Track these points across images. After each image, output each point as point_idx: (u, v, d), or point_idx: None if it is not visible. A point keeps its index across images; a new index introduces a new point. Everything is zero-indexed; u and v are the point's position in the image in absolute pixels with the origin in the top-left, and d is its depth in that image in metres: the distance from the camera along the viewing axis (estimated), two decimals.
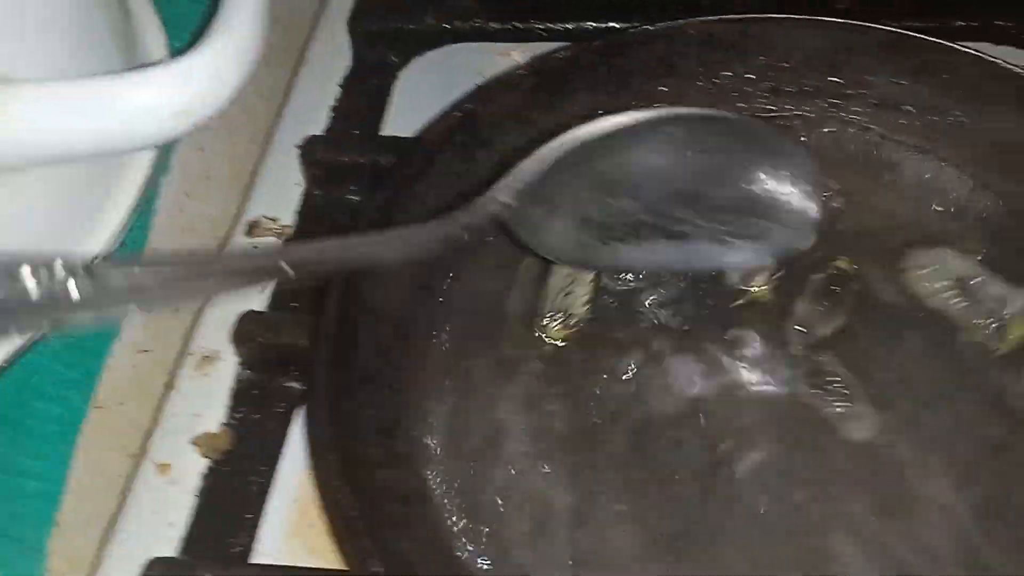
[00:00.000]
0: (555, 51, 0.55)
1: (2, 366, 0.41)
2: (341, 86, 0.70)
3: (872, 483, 0.46)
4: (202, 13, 0.53)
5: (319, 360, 0.43)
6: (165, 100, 0.42)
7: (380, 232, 0.42)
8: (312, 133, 0.66)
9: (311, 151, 0.63)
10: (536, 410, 0.49)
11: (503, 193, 0.43)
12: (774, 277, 0.52)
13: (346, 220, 0.61)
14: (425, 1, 0.73)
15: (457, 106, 0.53)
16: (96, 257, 0.34)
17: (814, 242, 0.49)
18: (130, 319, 0.55)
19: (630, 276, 0.53)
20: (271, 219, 0.63)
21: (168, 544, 0.49)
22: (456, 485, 0.47)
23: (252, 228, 0.62)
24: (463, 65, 0.70)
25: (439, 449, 0.48)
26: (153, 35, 0.53)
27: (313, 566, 0.47)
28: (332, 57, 0.73)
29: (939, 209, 0.55)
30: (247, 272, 0.37)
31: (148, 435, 0.54)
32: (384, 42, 0.72)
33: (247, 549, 0.48)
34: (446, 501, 0.46)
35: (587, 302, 0.52)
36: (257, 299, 0.58)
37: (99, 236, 0.48)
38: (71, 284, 0.28)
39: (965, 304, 0.50)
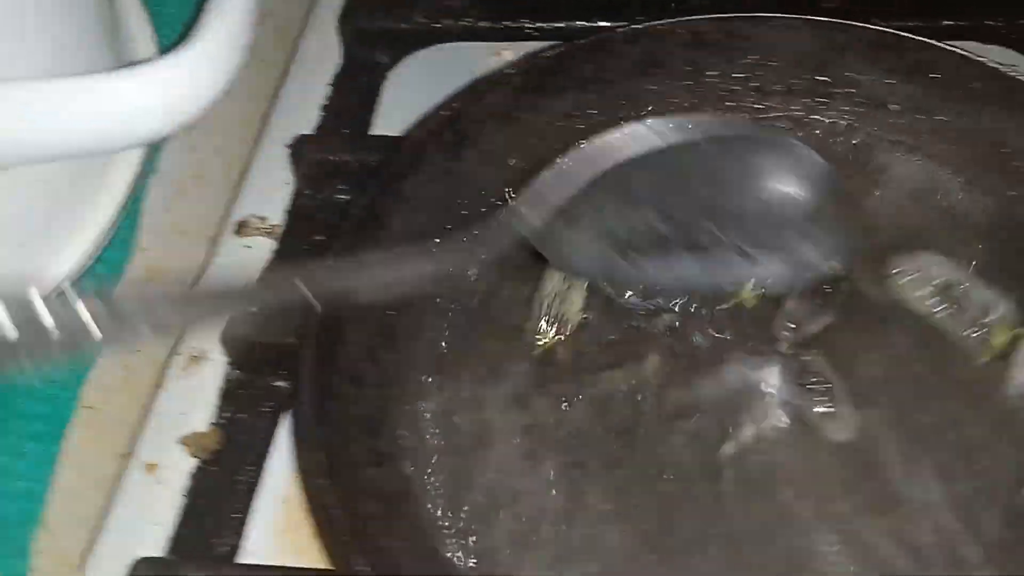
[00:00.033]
0: (542, 50, 0.55)
1: None
2: (331, 85, 0.70)
3: (856, 482, 0.46)
4: (191, 10, 0.53)
5: (305, 359, 0.43)
6: (151, 99, 0.42)
7: (402, 251, 0.41)
8: (302, 132, 0.66)
9: (301, 150, 0.63)
10: (524, 410, 0.49)
11: (524, 207, 0.42)
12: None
13: (335, 219, 0.61)
14: (415, 0, 0.73)
15: (444, 105, 0.53)
16: (108, 284, 0.33)
17: (840, 268, 0.49)
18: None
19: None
20: (260, 218, 0.63)
21: (155, 544, 0.49)
22: (443, 484, 0.47)
23: (241, 227, 0.62)
24: (453, 64, 0.70)
25: (426, 448, 0.48)
26: (141, 33, 0.53)
27: (300, 566, 0.47)
28: (322, 56, 0.73)
29: (926, 211, 0.55)
30: (266, 297, 0.36)
31: (136, 434, 0.54)
32: (374, 41, 0.72)
33: (234, 549, 0.48)
34: (433, 500, 0.46)
35: (582, 308, 0.52)
36: None
37: (86, 235, 0.48)
38: (84, 311, 0.28)
39: (949, 312, 0.50)
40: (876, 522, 0.44)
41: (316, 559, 0.47)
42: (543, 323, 0.51)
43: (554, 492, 0.46)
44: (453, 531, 0.45)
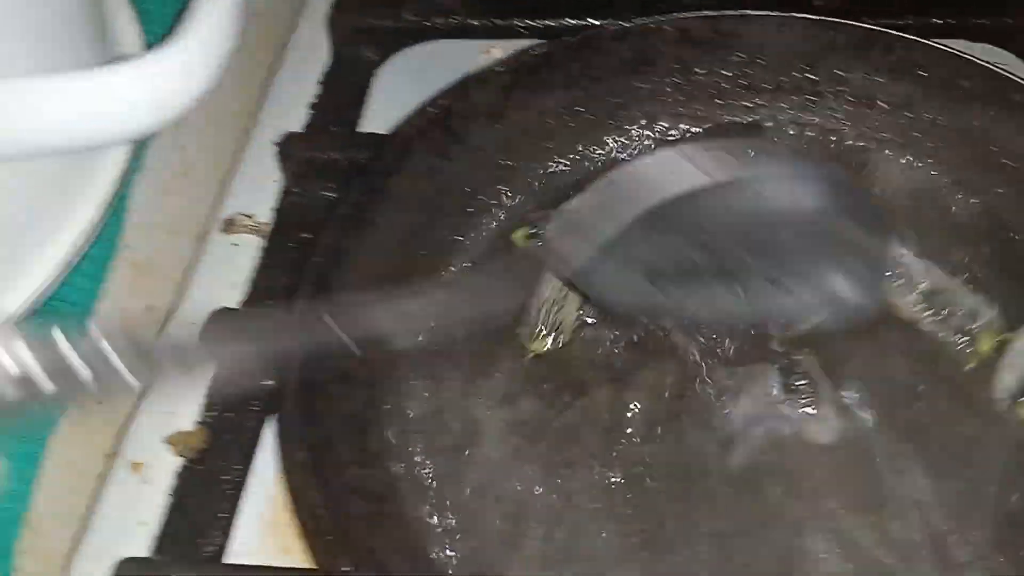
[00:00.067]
0: (530, 48, 0.55)
1: None
2: (320, 83, 0.70)
3: (845, 481, 0.46)
4: (177, 6, 0.53)
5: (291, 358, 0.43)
6: (138, 95, 0.42)
7: (430, 286, 0.40)
8: (290, 130, 0.66)
9: (288, 148, 0.63)
10: (513, 410, 0.49)
11: (560, 244, 0.41)
12: None
13: (323, 218, 0.61)
14: None
15: (431, 102, 0.52)
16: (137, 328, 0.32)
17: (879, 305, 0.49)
18: (103, 316, 0.55)
19: None
20: (247, 216, 0.62)
21: (141, 544, 0.48)
22: (431, 484, 0.47)
23: (228, 225, 0.62)
24: (443, 62, 0.69)
25: (413, 447, 0.48)
26: (128, 29, 0.53)
27: (289, 566, 0.47)
28: (311, 54, 0.72)
29: (913, 211, 0.55)
30: (298, 336, 0.35)
31: (121, 433, 0.53)
32: (363, 38, 0.72)
33: (221, 549, 0.48)
34: (420, 500, 0.46)
35: (577, 317, 0.52)
36: (231, 296, 0.57)
37: (70, 233, 0.48)
38: (112, 353, 0.27)
39: (936, 318, 0.50)
40: (865, 521, 0.44)
41: (304, 559, 0.47)
42: (540, 330, 0.51)
43: (542, 492, 0.46)
44: (440, 531, 0.45)
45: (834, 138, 0.57)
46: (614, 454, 0.47)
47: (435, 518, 0.46)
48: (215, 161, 0.67)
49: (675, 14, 0.55)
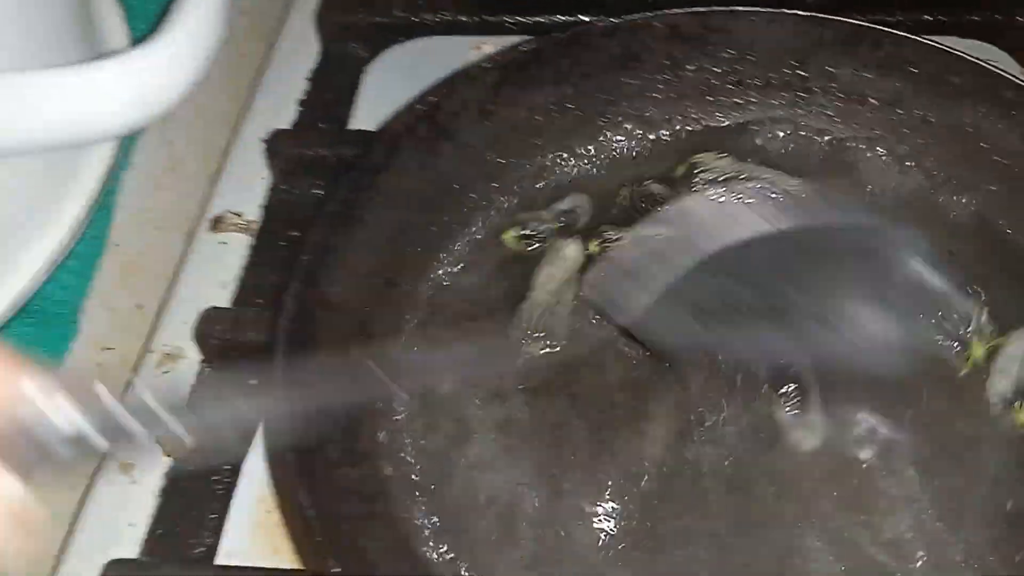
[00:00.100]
0: (519, 44, 0.55)
1: None
2: (309, 79, 0.70)
3: (839, 481, 0.46)
4: (163, 2, 0.53)
5: (278, 359, 0.43)
6: (124, 90, 0.41)
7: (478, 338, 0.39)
8: (279, 127, 0.65)
9: (276, 145, 0.63)
10: (503, 410, 0.49)
11: (614, 292, 0.40)
12: None
13: (312, 215, 0.61)
14: None
15: (420, 99, 0.52)
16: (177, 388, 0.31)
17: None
18: (91, 315, 0.54)
19: None
20: (236, 214, 0.62)
21: (130, 545, 0.48)
22: (420, 484, 0.46)
23: (217, 223, 0.62)
24: (433, 58, 0.69)
25: (403, 448, 0.47)
26: (114, 24, 0.53)
27: (279, 567, 0.47)
28: (300, 50, 0.72)
29: (903, 210, 0.55)
30: (348, 386, 0.35)
31: None
32: (352, 35, 0.71)
33: (211, 549, 0.48)
34: (410, 500, 0.46)
35: (569, 321, 0.51)
36: (220, 295, 0.57)
37: (57, 230, 0.48)
38: (161, 411, 0.27)
39: (929, 323, 0.50)
40: (858, 521, 0.44)
41: (294, 560, 0.47)
42: (531, 337, 0.51)
43: (532, 492, 0.46)
44: (430, 531, 0.45)
45: (826, 136, 0.57)
46: (605, 455, 0.47)
47: (425, 518, 0.45)
48: (203, 158, 0.67)
49: (664, 10, 0.55)
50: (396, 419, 0.48)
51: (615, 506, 0.45)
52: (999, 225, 0.53)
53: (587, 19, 0.68)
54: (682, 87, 0.57)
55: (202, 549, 0.48)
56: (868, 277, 0.43)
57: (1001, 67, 0.52)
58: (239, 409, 0.29)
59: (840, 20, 0.54)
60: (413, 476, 0.46)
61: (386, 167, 0.50)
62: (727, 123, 0.59)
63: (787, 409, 0.47)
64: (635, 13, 0.55)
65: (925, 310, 0.45)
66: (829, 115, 0.57)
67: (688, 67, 0.57)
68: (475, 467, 0.47)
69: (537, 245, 0.54)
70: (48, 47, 0.45)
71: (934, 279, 0.44)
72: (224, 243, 0.61)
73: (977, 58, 0.52)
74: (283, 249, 0.59)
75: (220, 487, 0.50)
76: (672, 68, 0.57)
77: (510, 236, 0.55)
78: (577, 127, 0.57)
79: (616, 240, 0.53)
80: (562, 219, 0.55)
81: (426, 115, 0.52)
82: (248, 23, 0.73)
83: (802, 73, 0.56)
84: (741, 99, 0.58)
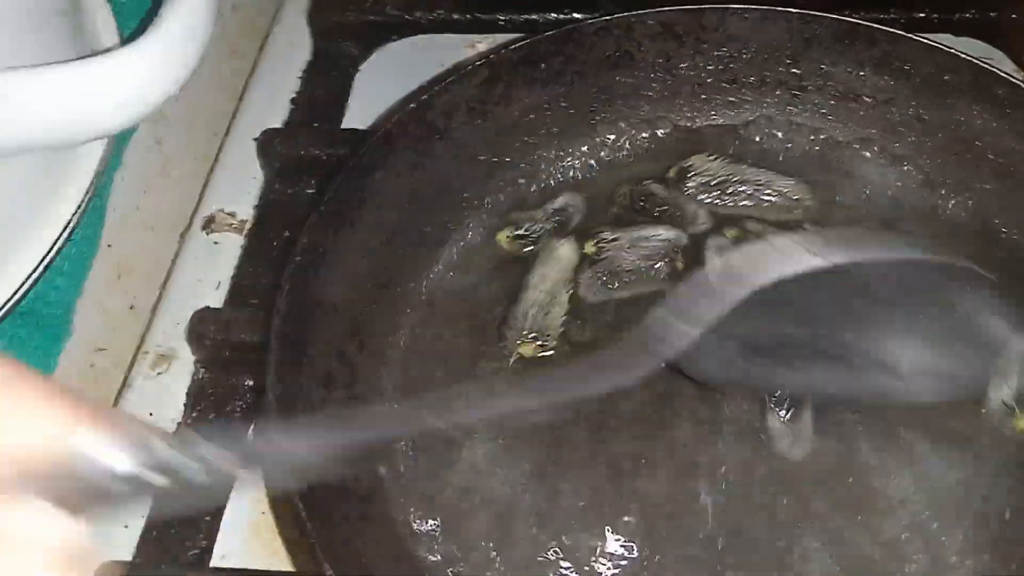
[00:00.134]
0: (512, 43, 0.54)
1: None
2: (301, 78, 0.69)
3: (835, 482, 0.46)
4: None
5: (270, 359, 0.43)
6: (114, 88, 0.41)
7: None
8: (272, 126, 0.65)
9: (269, 144, 0.63)
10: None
11: (671, 316, 0.38)
12: None
13: (305, 215, 0.60)
14: None
15: (414, 98, 0.52)
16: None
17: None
18: (84, 316, 0.54)
19: (615, 289, 0.53)
20: (229, 213, 0.62)
21: (123, 547, 0.48)
22: (415, 485, 0.46)
23: (209, 223, 0.61)
24: (426, 57, 0.69)
25: (399, 449, 0.47)
26: (103, 22, 0.52)
27: (274, 569, 0.47)
28: (292, 49, 0.72)
29: (898, 209, 0.55)
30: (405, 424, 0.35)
31: None
32: (345, 33, 0.71)
33: (206, 552, 0.48)
34: (405, 501, 0.46)
35: (563, 322, 0.51)
36: (213, 295, 0.57)
37: (48, 231, 0.47)
38: (217, 455, 0.26)
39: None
40: (853, 520, 0.44)
41: (289, 562, 0.47)
42: (524, 337, 0.51)
43: (528, 493, 0.46)
44: (426, 533, 0.45)
45: (821, 135, 0.57)
46: (601, 455, 0.47)
47: (421, 520, 0.45)
48: (196, 157, 0.66)
49: (658, 8, 0.55)
50: None
51: (612, 507, 0.45)
52: (995, 224, 0.53)
53: (580, 17, 0.68)
54: (676, 85, 0.57)
55: (196, 551, 0.48)
56: (922, 313, 0.42)
57: (996, 65, 0.52)
58: (293, 447, 0.29)
59: (834, 18, 0.54)
60: (409, 478, 0.46)
61: (379, 166, 0.50)
62: (721, 122, 0.58)
63: (779, 415, 0.47)
64: (628, 10, 0.55)
65: (979, 350, 0.44)
66: (823, 113, 0.57)
67: (682, 65, 0.56)
68: (471, 469, 0.46)
69: (531, 247, 0.54)
70: (37, 45, 0.44)
71: (990, 317, 0.43)
72: (217, 243, 0.60)
73: (972, 56, 0.52)
74: (276, 249, 0.58)
75: None
76: (666, 66, 0.57)
77: (504, 236, 0.54)
78: (571, 126, 0.57)
79: (613, 241, 0.53)
80: (555, 218, 0.55)
81: (419, 114, 0.52)
82: (240, 20, 0.72)
83: (796, 71, 0.56)
84: (735, 97, 0.58)
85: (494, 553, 0.44)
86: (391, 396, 0.49)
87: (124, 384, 0.55)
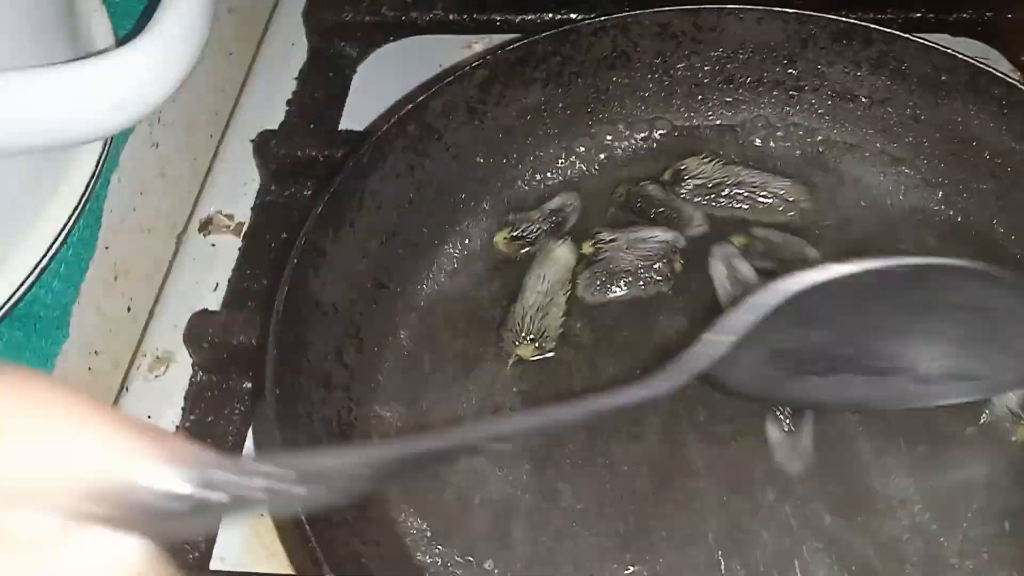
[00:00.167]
0: (509, 43, 0.54)
1: None
2: (298, 79, 0.69)
3: (833, 481, 0.46)
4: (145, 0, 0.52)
5: (267, 361, 0.43)
6: (109, 89, 0.41)
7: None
8: (268, 127, 0.65)
9: (265, 146, 0.62)
10: (497, 411, 0.49)
11: (723, 335, 0.39)
12: None
13: (302, 217, 0.60)
14: None
15: (410, 99, 0.52)
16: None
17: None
18: (81, 318, 0.54)
19: (613, 290, 0.53)
20: (226, 216, 0.62)
21: None
22: (414, 488, 0.46)
23: (206, 225, 0.61)
24: (423, 58, 0.69)
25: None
26: (98, 23, 0.52)
27: (274, 571, 0.47)
28: (289, 50, 0.71)
29: (895, 211, 0.55)
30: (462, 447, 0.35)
31: None
32: (342, 34, 0.71)
33: (205, 555, 0.48)
34: (404, 504, 0.46)
35: (561, 323, 0.51)
36: (211, 298, 0.57)
37: (44, 233, 0.47)
38: (275, 474, 0.27)
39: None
40: (853, 521, 0.44)
41: (288, 565, 0.47)
42: (522, 338, 0.51)
43: (527, 495, 0.46)
44: (425, 535, 0.45)
45: (817, 135, 0.57)
46: (600, 457, 0.47)
47: (419, 522, 0.45)
48: (192, 159, 0.66)
49: (654, 8, 0.55)
50: (389, 423, 0.48)
51: (611, 508, 0.45)
52: (992, 224, 0.53)
53: (577, 17, 0.68)
54: (672, 86, 0.57)
55: (196, 555, 0.47)
56: (953, 318, 0.41)
57: (993, 65, 0.53)
58: (349, 476, 0.29)
59: (831, 18, 0.54)
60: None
61: (377, 168, 0.50)
62: (718, 122, 0.59)
63: (779, 425, 0.47)
64: (624, 11, 0.55)
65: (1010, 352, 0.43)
66: (820, 114, 0.57)
67: (679, 66, 0.57)
68: (469, 471, 0.46)
69: (528, 248, 0.54)
70: (32, 46, 0.44)
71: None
72: (214, 245, 0.60)
73: (969, 56, 0.52)
74: (274, 251, 0.58)
75: None
76: (662, 67, 0.57)
77: (501, 238, 0.54)
78: (568, 126, 0.57)
79: (610, 242, 0.53)
80: (552, 218, 0.55)
81: (417, 115, 0.52)
82: (236, 22, 0.72)
83: (793, 71, 0.56)
84: (732, 98, 0.58)
85: (494, 554, 0.44)
86: (388, 395, 0.49)
87: (122, 387, 0.55)
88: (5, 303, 0.44)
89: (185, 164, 0.66)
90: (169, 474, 0.24)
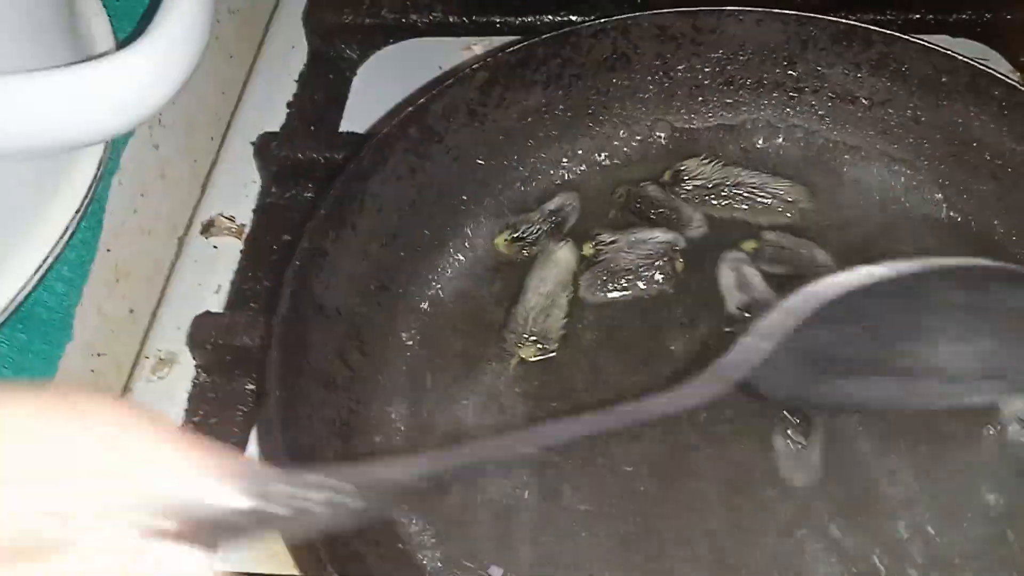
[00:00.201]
0: (509, 46, 0.54)
1: None
2: (298, 82, 0.69)
3: (836, 483, 0.46)
4: (148, 2, 0.52)
5: (270, 362, 0.43)
6: (108, 93, 0.41)
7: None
8: (269, 129, 0.65)
9: (266, 148, 0.63)
10: (499, 412, 0.49)
11: (763, 340, 0.38)
12: None
13: (303, 219, 0.60)
14: None
15: (411, 102, 0.52)
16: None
17: None
18: (84, 321, 0.54)
19: (614, 290, 0.53)
20: (228, 218, 0.62)
21: None
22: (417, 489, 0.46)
23: (208, 227, 0.61)
24: (423, 60, 0.69)
25: (399, 452, 0.47)
26: (99, 26, 0.52)
27: (276, 572, 0.47)
28: (289, 52, 0.72)
29: (894, 213, 0.55)
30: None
31: None
32: (342, 37, 0.71)
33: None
34: (406, 505, 0.46)
35: (563, 324, 0.52)
36: (213, 299, 0.57)
37: (45, 235, 0.47)
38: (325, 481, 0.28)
39: None
40: (855, 522, 0.44)
41: (291, 566, 0.47)
42: (524, 340, 0.51)
43: (529, 495, 0.46)
44: (427, 535, 0.45)
45: (817, 137, 0.57)
46: (601, 457, 0.47)
47: (421, 523, 0.45)
48: (193, 162, 0.66)
49: (654, 10, 0.55)
50: (392, 423, 0.48)
51: (613, 508, 0.45)
52: (992, 225, 0.54)
53: (577, 19, 0.68)
54: (672, 88, 0.57)
55: None
56: (983, 320, 0.41)
57: (992, 66, 0.53)
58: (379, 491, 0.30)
59: (831, 19, 0.54)
60: None
61: (378, 170, 0.50)
62: (718, 124, 0.59)
63: (787, 437, 0.47)
64: (624, 13, 0.55)
65: None
66: (820, 115, 0.57)
67: (678, 67, 0.57)
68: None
69: (529, 249, 0.54)
70: (33, 49, 0.44)
71: None
72: (216, 247, 0.60)
73: (968, 57, 0.52)
74: (276, 253, 0.58)
75: None
76: (662, 68, 0.57)
77: (501, 240, 0.55)
78: (568, 128, 0.57)
79: (611, 243, 0.53)
80: (552, 219, 0.55)
81: (417, 117, 0.52)
82: (237, 24, 0.72)
83: (793, 73, 0.56)
84: (732, 99, 0.58)
85: (495, 556, 0.44)
86: (390, 396, 0.49)
87: (125, 389, 0.55)
88: (8, 305, 0.44)
89: (186, 166, 0.66)
90: (234, 490, 0.26)
